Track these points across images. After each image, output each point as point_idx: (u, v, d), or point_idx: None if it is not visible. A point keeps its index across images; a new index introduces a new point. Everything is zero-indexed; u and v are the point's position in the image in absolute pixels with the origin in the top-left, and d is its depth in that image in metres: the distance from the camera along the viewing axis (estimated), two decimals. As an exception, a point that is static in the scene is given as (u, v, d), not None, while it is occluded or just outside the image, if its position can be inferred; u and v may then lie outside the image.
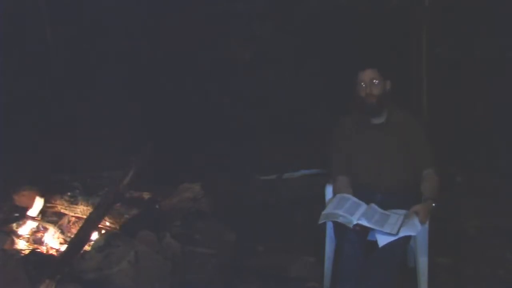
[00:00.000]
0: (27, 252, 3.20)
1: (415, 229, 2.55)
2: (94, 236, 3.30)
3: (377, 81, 2.79)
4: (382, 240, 2.50)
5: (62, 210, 3.66)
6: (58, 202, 3.66)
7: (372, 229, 2.55)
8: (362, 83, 2.80)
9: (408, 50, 4.53)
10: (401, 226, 2.54)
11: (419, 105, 4.45)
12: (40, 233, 3.51)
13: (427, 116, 4.36)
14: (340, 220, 2.55)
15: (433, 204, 2.67)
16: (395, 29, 4.56)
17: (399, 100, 2.93)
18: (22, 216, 3.64)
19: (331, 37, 4.62)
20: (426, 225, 2.71)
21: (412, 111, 3.14)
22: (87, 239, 3.12)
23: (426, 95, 4.45)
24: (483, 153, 4.27)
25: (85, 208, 3.56)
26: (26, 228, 3.52)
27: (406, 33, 4.54)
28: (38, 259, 3.01)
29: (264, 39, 4.92)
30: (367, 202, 2.70)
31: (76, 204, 3.60)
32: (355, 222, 2.53)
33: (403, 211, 2.66)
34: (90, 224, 3.14)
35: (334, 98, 4.37)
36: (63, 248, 3.27)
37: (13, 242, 3.34)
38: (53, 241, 3.43)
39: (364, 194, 2.76)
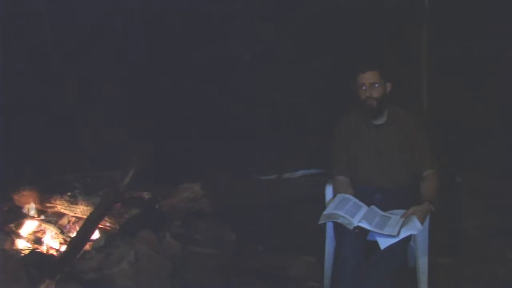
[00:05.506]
0: (27, 252, 3.20)
1: (415, 228, 2.55)
2: (94, 236, 3.30)
3: (377, 84, 2.78)
4: (384, 243, 2.51)
5: (62, 210, 3.66)
6: (58, 202, 3.65)
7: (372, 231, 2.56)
8: (363, 86, 2.80)
9: (408, 50, 4.53)
10: (401, 227, 2.54)
11: (419, 105, 4.45)
12: (40, 233, 3.51)
13: (427, 116, 4.36)
14: (341, 221, 2.55)
15: (432, 207, 2.67)
16: (396, 29, 4.56)
17: (399, 100, 2.93)
18: (22, 216, 3.65)
19: (331, 37, 4.62)
20: (426, 225, 2.71)
21: (412, 111, 3.14)
22: (87, 239, 3.12)
23: (426, 95, 4.44)
24: (483, 153, 4.27)
25: (85, 208, 3.56)
26: (26, 228, 3.52)
27: (406, 33, 4.54)
28: (38, 259, 3.02)
29: (264, 39, 4.91)
30: (367, 201, 2.70)
31: (76, 204, 3.60)
32: (355, 224, 2.53)
33: (402, 212, 2.65)
34: (90, 224, 3.15)
35: (334, 98, 4.38)
36: (63, 248, 3.28)
37: (13, 242, 3.34)
38: (53, 241, 3.43)
39: (364, 193, 2.76)
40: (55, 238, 3.46)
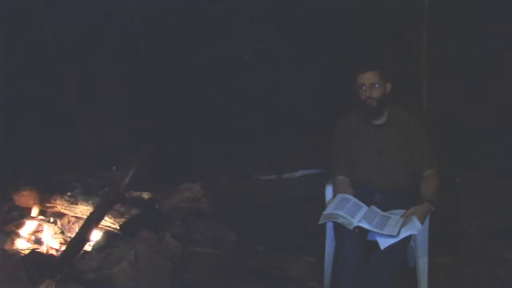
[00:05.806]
0: (27, 252, 3.20)
1: (415, 228, 2.55)
2: (94, 236, 3.30)
3: (377, 84, 2.78)
4: (384, 243, 2.51)
5: (62, 210, 3.66)
6: (58, 202, 3.66)
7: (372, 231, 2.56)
8: (363, 86, 2.80)
9: (408, 50, 4.53)
10: (401, 227, 2.54)
11: (419, 105, 4.44)
12: (40, 233, 3.51)
13: (427, 116, 4.36)
14: (341, 221, 2.55)
15: (432, 207, 2.67)
16: (396, 29, 4.55)
17: (399, 100, 2.93)
18: (22, 216, 3.65)
19: (331, 37, 4.62)
20: (426, 225, 2.71)
21: (412, 111, 3.14)
22: (87, 239, 3.13)
23: (426, 95, 4.44)
24: (483, 153, 4.26)
25: (85, 208, 3.56)
26: (26, 228, 3.52)
27: (406, 33, 4.54)
28: (38, 259, 3.02)
29: (264, 39, 4.91)
30: (367, 201, 2.70)
31: (76, 204, 3.61)
32: (355, 224, 2.53)
33: (402, 212, 2.65)
34: (90, 224, 3.15)
35: (334, 98, 4.38)
36: (63, 248, 3.28)
37: (13, 242, 3.35)
38: (53, 241, 3.43)
39: (364, 193, 2.76)
40: (55, 238, 3.46)
